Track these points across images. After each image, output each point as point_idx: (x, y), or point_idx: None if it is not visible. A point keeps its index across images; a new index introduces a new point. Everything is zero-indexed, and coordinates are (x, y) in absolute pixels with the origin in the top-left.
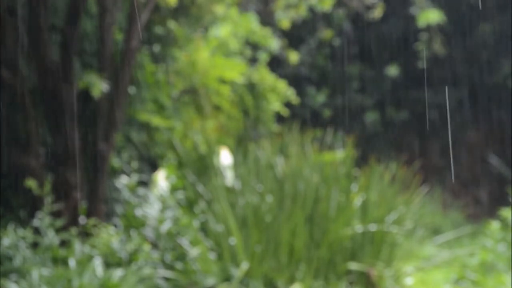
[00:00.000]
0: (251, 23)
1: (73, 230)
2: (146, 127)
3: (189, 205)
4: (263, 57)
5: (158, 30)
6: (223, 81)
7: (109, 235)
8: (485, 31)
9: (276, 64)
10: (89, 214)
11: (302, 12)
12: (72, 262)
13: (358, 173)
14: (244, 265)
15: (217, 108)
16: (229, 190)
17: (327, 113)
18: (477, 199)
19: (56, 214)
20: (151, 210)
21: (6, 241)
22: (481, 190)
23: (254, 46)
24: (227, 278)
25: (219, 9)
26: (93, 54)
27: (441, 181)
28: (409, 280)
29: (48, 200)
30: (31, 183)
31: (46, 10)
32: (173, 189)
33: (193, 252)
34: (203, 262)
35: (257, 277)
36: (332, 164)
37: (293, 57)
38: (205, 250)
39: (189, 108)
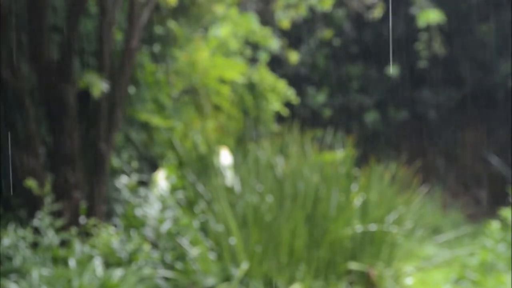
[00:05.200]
0: (251, 23)
1: (73, 230)
2: (146, 127)
3: (189, 205)
4: (263, 57)
5: (158, 30)
6: (223, 81)
7: (109, 235)
8: (485, 31)
9: (276, 64)
10: (89, 214)
11: (302, 12)
12: (72, 262)
13: (358, 173)
14: (244, 265)
15: (217, 108)
16: (229, 190)
17: (327, 113)
18: (477, 199)
19: (56, 214)
20: (151, 210)
21: (6, 241)
22: (481, 190)
23: (254, 46)
24: (227, 278)
25: (219, 9)
26: (93, 54)
27: (441, 181)
28: (409, 280)
29: (48, 200)
30: (31, 183)
31: (46, 10)
32: (173, 189)
33: (193, 252)
34: (203, 262)
35: (257, 277)
36: (332, 164)
37: (293, 57)
38: (205, 250)
39: (189, 108)
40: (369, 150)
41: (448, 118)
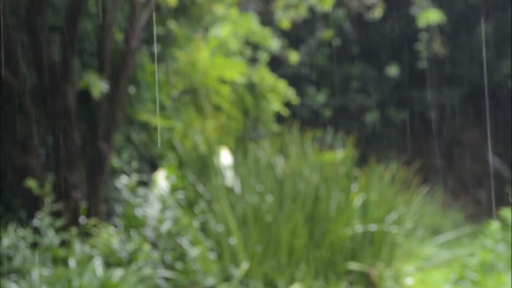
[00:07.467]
0: (251, 23)
1: (73, 230)
2: (146, 127)
3: (189, 205)
4: (263, 57)
5: (158, 30)
6: (223, 81)
7: (109, 235)
8: (485, 31)
9: (276, 64)
10: (89, 214)
11: (302, 12)
12: (72, 262)
13: (358, 173)
14: (244, 265)
15: (217, 108)
16: (229, 190)
17: (327, 113)
18: (477, 199)
19: (56, 214)
20: (151, 210)
21: (6, 241)
22: (481, 190)
23: (254, 46)
24: (227, 278)
25: (219, 9)
26: (93, 54)
27: (441, 181)
28: (409, 280)
29: (48, 200)
30: (31, 183)
31: (46, 10)
32: (173, 189)
33: (193, 252)
34: (203, 262)
35: (257, 277)
36: (332, 164)
37: (293, 57)
38: (205, 250)
39: (189, 108)
40: (369, 150)
41: (448, 118)
